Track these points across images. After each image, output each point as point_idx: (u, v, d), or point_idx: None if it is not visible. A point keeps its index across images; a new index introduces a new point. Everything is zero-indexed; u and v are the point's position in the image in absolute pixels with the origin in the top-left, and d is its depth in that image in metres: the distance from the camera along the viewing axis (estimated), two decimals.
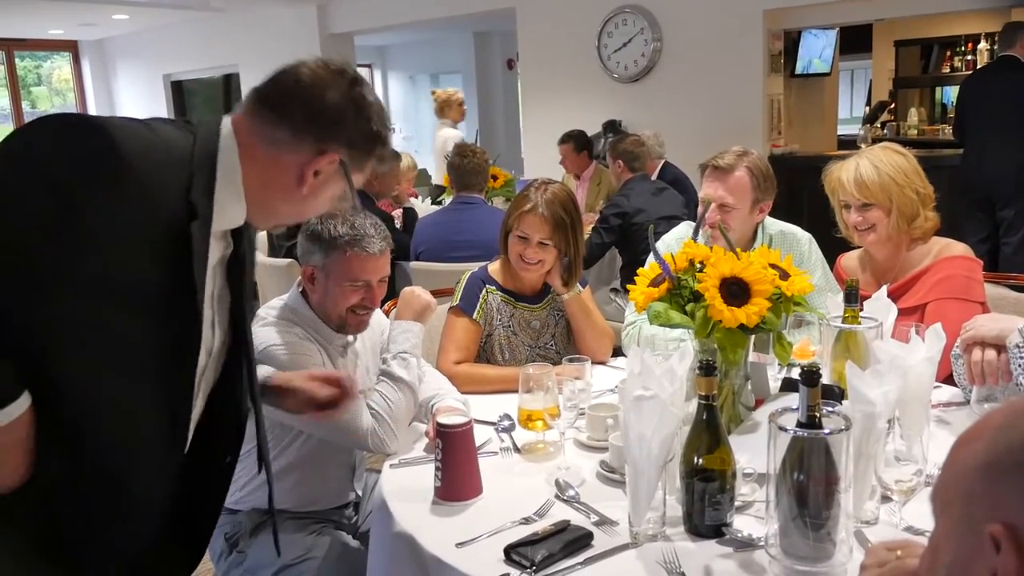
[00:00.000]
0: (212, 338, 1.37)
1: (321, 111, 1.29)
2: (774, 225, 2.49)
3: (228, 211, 1.29)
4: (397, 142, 12.39)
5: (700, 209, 2.38)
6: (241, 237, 1.38)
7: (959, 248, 2.31)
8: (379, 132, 1.35)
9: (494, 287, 2.41)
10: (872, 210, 2.25)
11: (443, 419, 1.67)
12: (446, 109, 6.87)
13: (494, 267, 2.46)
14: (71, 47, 11.63)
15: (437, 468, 1.63)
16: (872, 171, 2.24)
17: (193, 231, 1.20)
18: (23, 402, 1.12)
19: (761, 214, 2.43)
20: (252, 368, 1.48)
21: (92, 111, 11.73)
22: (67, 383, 1.15)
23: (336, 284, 1.93)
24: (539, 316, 2.43)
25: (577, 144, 5.88)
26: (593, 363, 2.20)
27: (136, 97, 11.51)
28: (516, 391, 1.84)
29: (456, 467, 1.63)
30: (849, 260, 2.50)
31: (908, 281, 2.29)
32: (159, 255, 1.18)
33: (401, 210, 4.62)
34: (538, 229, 2.29)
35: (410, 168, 5.26)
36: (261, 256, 4.79)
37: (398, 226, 4.38)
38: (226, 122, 1.30)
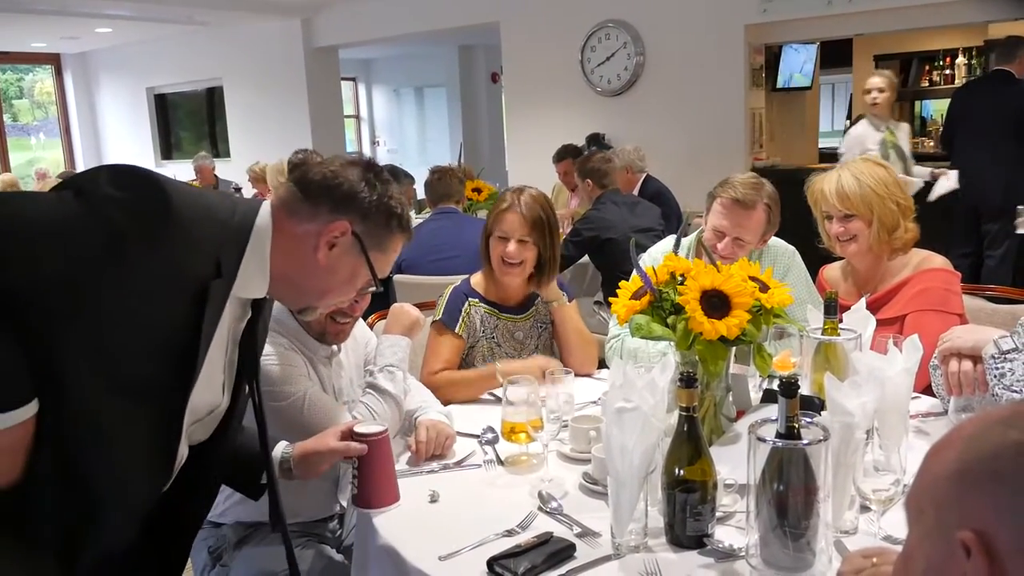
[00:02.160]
0: (222, 399, 1.48)
1: (337, 184, 1.43)
2: None
3: (252, 280, 1.38)
4: (382, 155, 12.40)
5: (705, 231, 2.41)
6: (260, 310, 1.47)
7: (938, 260, 2.35)
8: (393, 208, 1.47)
9: (477, 299, 2.42)
10: (853, 221, 2.29)
11: (360, 428, 1.67)
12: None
13: (476, 279, 2.47)
14: (53, 60, 11.59)
15: (354, 476, 1.65)
16: (854, 183, 2.29)
17: (212, 288, 1.29)
18: (32, 407, 1.16)
19: (763, 244, 2.45)
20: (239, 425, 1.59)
21: (75, 124, 11.70)
22: (73, 397, 1.19)
23: None
24: (522, 327, 2.45)
25: (575, 157, 5.92)
26: (579, 375, 2.24)
27: (119, 110, 11.48)
28: (497, 388, 1.85)
29: (372, 475, 1.64)
30: (831, 271, 2.53)
31: (888, 292, 2.32)
32: (180, 303, 1.26)
33: None
34: (517, 227, 2.33)
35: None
36: None
37: None
38: (267, 203, 1.42)
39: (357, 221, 1.42)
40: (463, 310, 2.40)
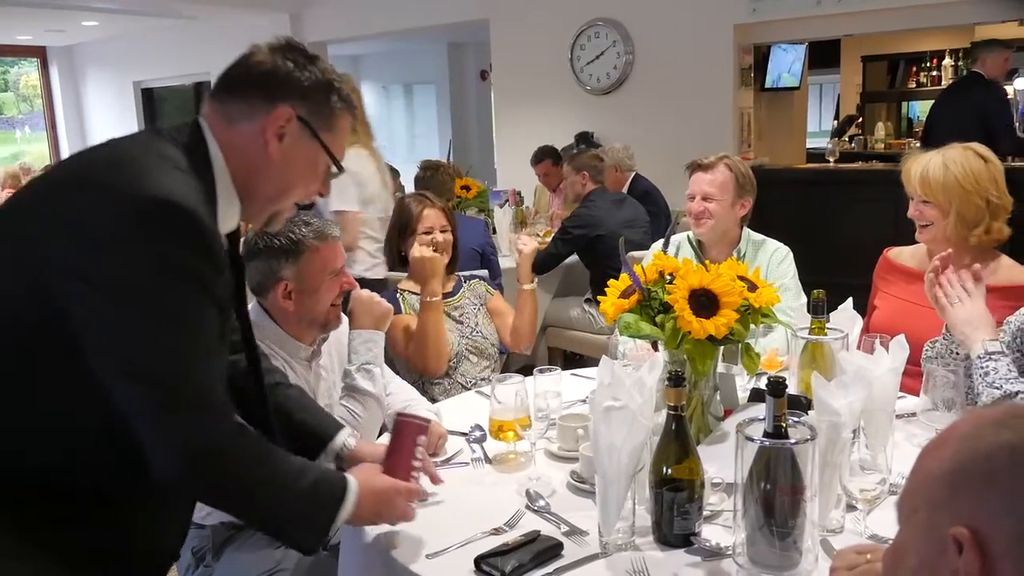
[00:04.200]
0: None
1: (262, 72, 1.32)
2: (758, 236, 2.68)
3: (227, 213, 1.32)
4: None
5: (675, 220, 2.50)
6: (235, 241, 1.43)
7: (1019, 273, 2.20)
8: (327, 79, 1.35)
9: (407, 292, 2.68)
10: (929, 207, 2.21)
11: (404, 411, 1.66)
12: None
13: (404, 284, 2.72)
14: (39, 53, 11.49)
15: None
16: (940, 170, 2.18)
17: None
18: None
19: (743, 209, 2.65)
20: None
21: (60, 118, 11.60)
22: None
23: (319, 283, 1.92)
24: (459, 307, 2.68)
25: (555, 159, 5.95)
26: (516, 352, 2.78)
27: (105, 104, 11.39)
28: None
29: (394, 452, 1.55)
30: (898, 252, 2.45)
31: None
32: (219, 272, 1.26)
33: None
34: (438, 219, 2.70)
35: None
36: None
37: None
38: (203, 123, 1.32)
39: (298, 104, 1.31)
40: (398, 299, 2.64)
